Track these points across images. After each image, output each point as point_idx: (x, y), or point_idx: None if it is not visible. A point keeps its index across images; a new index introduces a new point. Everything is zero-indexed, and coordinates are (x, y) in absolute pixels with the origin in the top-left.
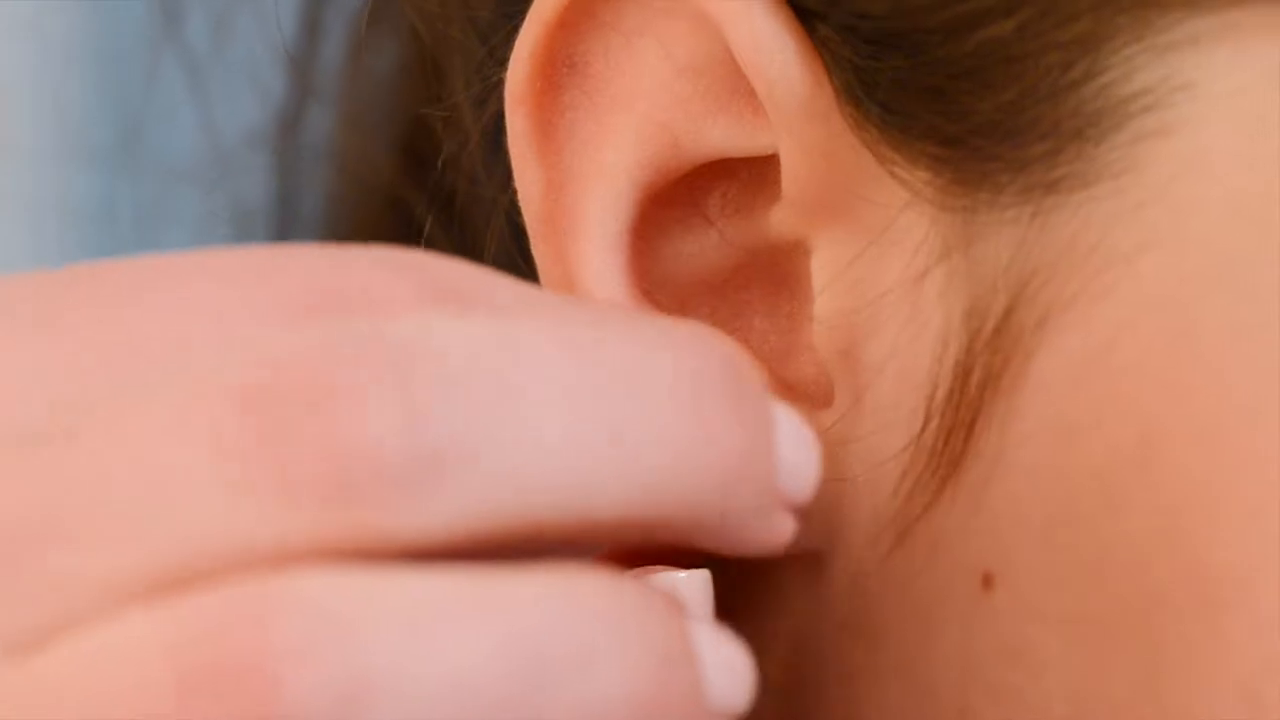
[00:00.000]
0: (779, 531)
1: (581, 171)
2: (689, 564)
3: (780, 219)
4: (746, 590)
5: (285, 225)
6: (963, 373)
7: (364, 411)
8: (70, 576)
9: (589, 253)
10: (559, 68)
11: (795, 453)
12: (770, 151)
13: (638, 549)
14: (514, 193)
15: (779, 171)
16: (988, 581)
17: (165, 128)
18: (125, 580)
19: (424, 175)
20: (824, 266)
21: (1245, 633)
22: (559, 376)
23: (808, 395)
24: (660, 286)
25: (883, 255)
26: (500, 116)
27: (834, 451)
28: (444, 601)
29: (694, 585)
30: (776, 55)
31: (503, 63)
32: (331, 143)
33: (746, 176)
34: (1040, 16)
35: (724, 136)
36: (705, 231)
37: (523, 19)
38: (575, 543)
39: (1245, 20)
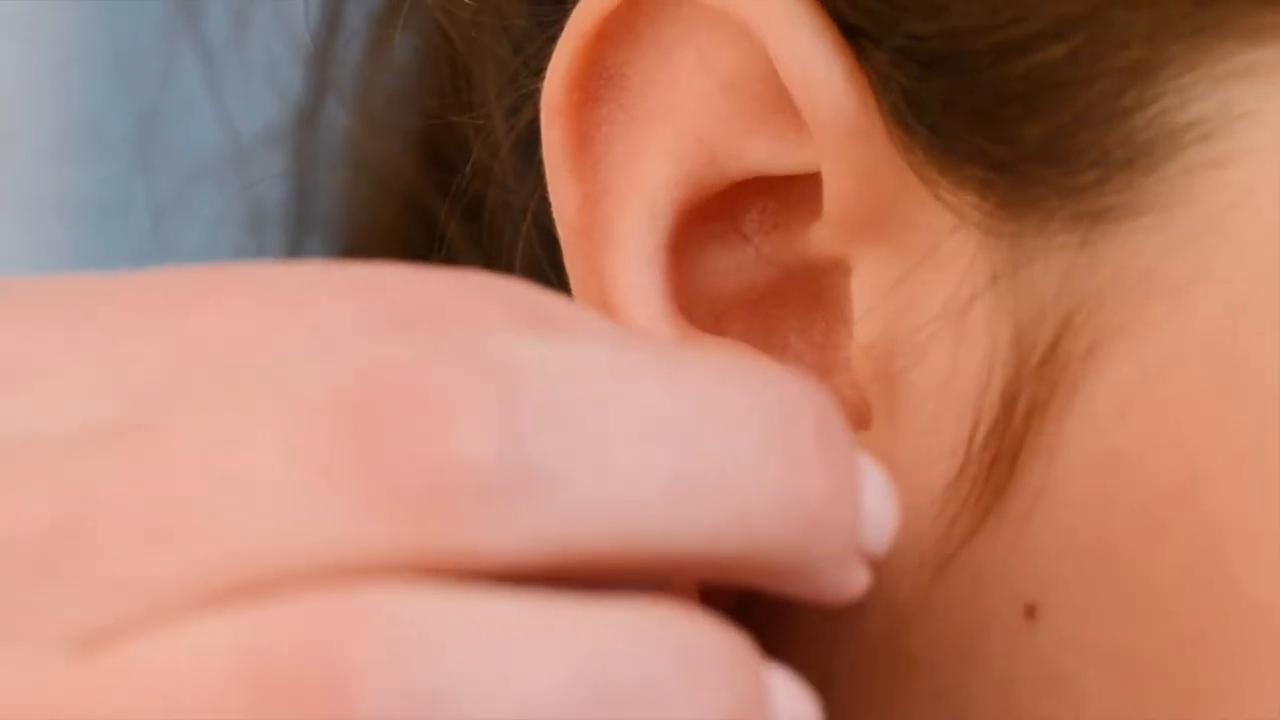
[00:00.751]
0: (854, 582)
1: (617, 185)
2: (715, 594)
3: (820, 237)
4: (774, 617)
5: (301, 224)
6: (1009, 402)
7: (460, 425)
8: (145, 575)
9: (624, 267)
10: (596, 80)
11: (879, 505)
12: (811, 169)
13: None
14: (544, 201)
15: (819, 188)
16: (1030, 612)
17: (182, 122)
18: (202, 582)
19: (445, 179)
20: (866, 288)
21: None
22: (655, 409)
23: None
24: (696, 302)
25: (928, 279)
26: (532, 125)
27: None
28: (523, 624)
29: None
30: (822, 73)
31: (537, 72)
32: (349, 141)
33: (785, 193)
34: (1093, 42)
35: (764, 153)
36: (742, 248)
37: (558, 30)
38: (648, 576)
39: None
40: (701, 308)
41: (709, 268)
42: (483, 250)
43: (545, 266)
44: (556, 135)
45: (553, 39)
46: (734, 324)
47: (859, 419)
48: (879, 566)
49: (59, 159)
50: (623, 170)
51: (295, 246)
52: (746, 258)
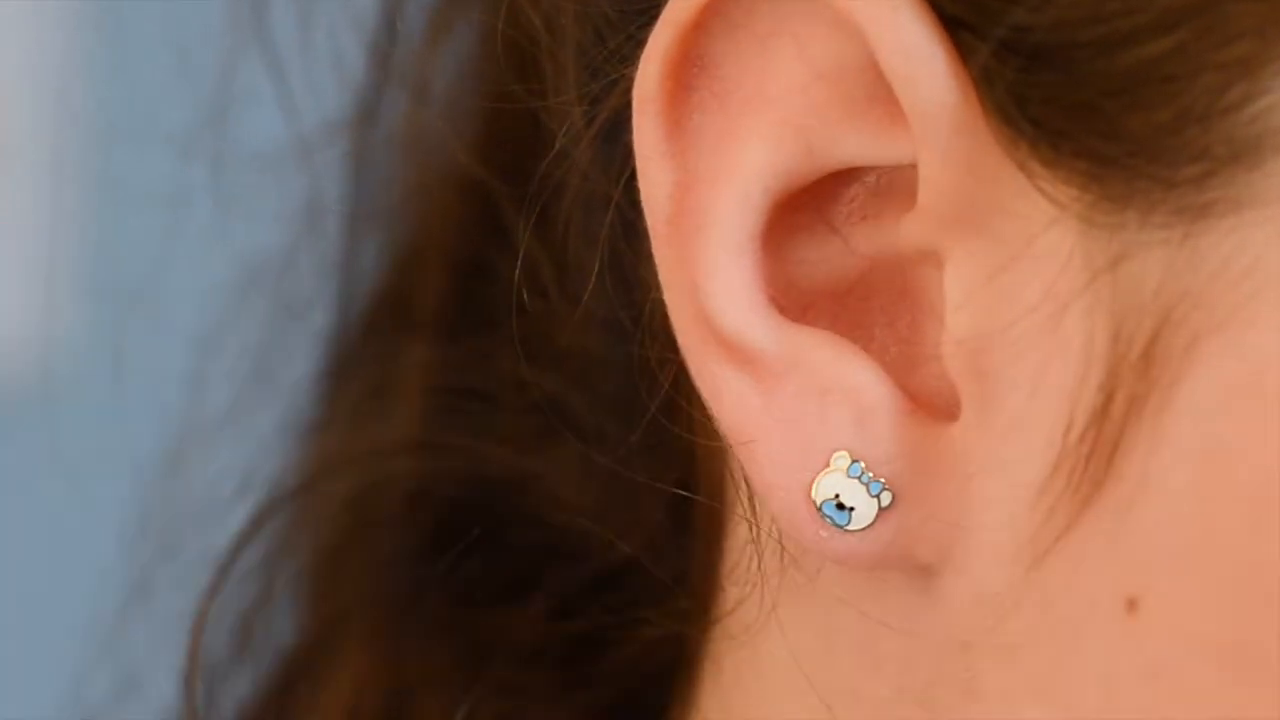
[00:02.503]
0: None
1: (710, 173)
2: None
3: (913, 230)
4: (847, 605)
5: (357, 217)
6: (1107, 396)
7: None
8: None
9: (717, 256)
10: (690, 68)
11: None
12: (907, 161)
13: None
14: (627, 190)
15: (910, 180)
16: (1132, 605)
17: (246, 115)
18: None
19: (509, 170)
20: (960, 282)
21: None
22: None
23: (932, 406)
24: (784, 293)
25: (1026, 272)
26: (615, 115)
27: (956, 464)
28: None
29: None
30: (925, 64)
31: (624, 60)
32: (408, 132)
33: (875, 184)
34: (1199, 36)
35: (860, 144)
36: (830, 239)
37: (648, 18)
38: None
39: None
40: (789, 298)
41: (797, 258)
42: (549, 243)
43: (626, 255)
44: (648, 123)
45: (643, 26)
46: (821, 315)
47: (947, 411)
48: (959, 555)
49: (134, 143)
50: (716, 158)
51: (352, 240)
52: (834, 249)
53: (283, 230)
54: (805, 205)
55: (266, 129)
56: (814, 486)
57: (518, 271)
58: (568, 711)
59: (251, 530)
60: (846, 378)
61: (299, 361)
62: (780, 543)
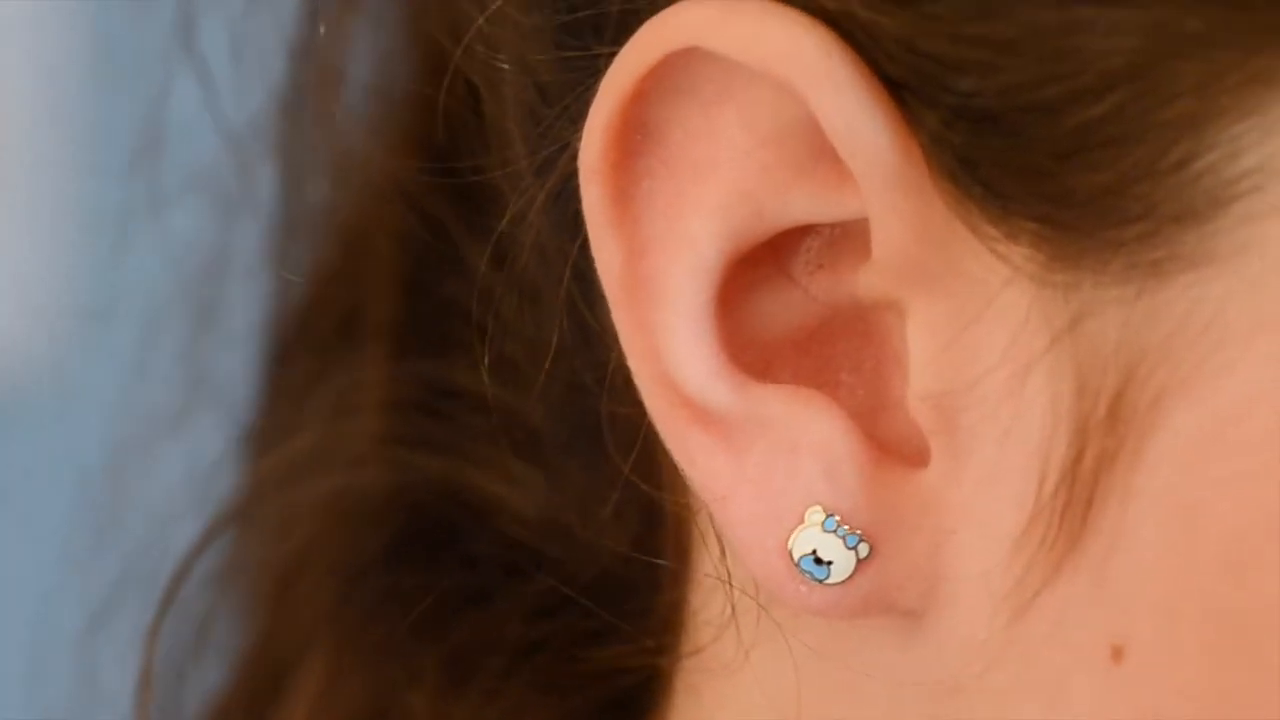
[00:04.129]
0: None
1: (662, 241)
2: None
3: (871, 281)
4: (834, 648)
5: (293, 226)
6: (1077, 452)
7: None
8: None
9: (674, 323)
10: (634, 136)
11: None
12: (859, 217)
13: None
14: (584, 251)
15: (866, 231)
16: (1117, 654)
17: (181, 134)
18: None
19: (460, 194)
20: (922, 336)
21: None
22: None
23: (902, 453)
24: (745, 348)
25: (986, 331)
26: (564, 179)
27: (929, 511)
28: None
29: None
30: (866, 128)
31: (573, 123)
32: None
33: (831, 235)
34: (1139, 97)
35: (809, 204)
36: (789, 290)
37: (588, 85)
38: None
39: None
40: (751, 352)
41: (757, 312)
42: (509, 273)
43: (586, 315)
44: (596, 192)
45: (586, 91)
46: (784, 365)
47: (917, 457)
48: (942, 601)
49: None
50: (666, 225)
51: (289, 249)
52: (794, 299)
53: (216, 238)
54: (762, 259)
55: (202, 142)
56: (790, 543)
57: (474, 304)
58: (551, 716)
59: (205, 541)
60: (813, 432)
61: (240, 373)
62: (754, 594)
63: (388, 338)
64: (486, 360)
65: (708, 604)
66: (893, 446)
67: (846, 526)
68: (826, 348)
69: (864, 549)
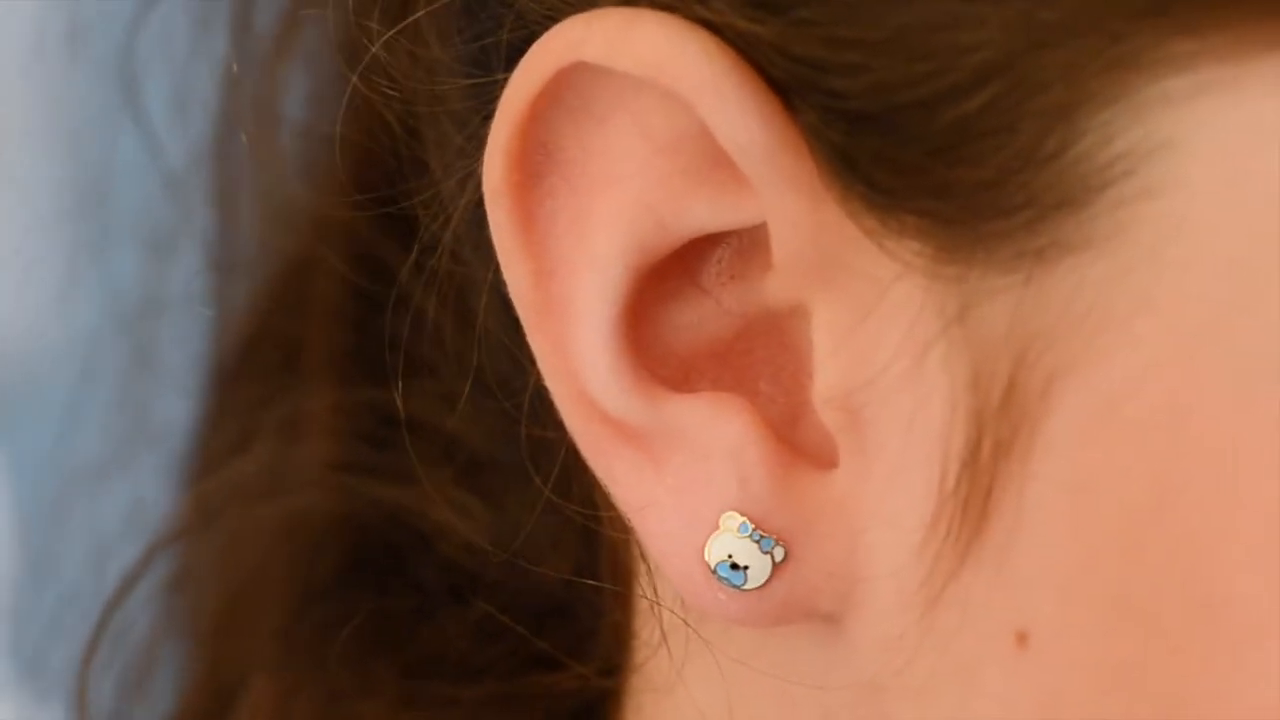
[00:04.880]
0: None
1: (569, 259)
2: None
3: (776, 286)
4: (761, 659)
5: (227, 255)
6: (974, 442)
7: None
8: None
9: (587, 342)
10: (534, 157)
11: None
12: (759, 222)
13: None
14: (497, 272)
15: (769, 237)
16: (1021, 639)
17: (122, 181)
18: None
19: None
20: (824, 335)
21: (1263, 672)
22: None
23: (816, 457)
24: (662, 361)
25: (880, 326)
26: (476, 205)
27: (843, 513)
28: None
29: None
30: (755, 132)
31: (480, 146)
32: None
33: (739, 244)
34: (1010, 89)
35: (709, 211)
36: (702, 301)
37: (491, 110)
38: None
39: (1221, 77)
40: (670, 365)
41: (672, 324)
42: (440, 298)
43: (505, 338)
44: (502, 216)
45: (487, 119)
46: (702, 377)
47: (830, 461)
48: (858, 601)
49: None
50: (572, 243)
51: (224, 277)
52: (708, 310)
53: (151, 269)
54: (673, 271)
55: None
56: (706, 549)
57: (407, 332)
58: None
59: (143, 564)
60: (726, 439)
61: (174, 401)
62: (682, 611)
63: (333, 367)
64: (436, 388)
65: (646, 623)
66: (809, 451)
67: (761, 531)
68: (744, 357)
69: (779, 553)
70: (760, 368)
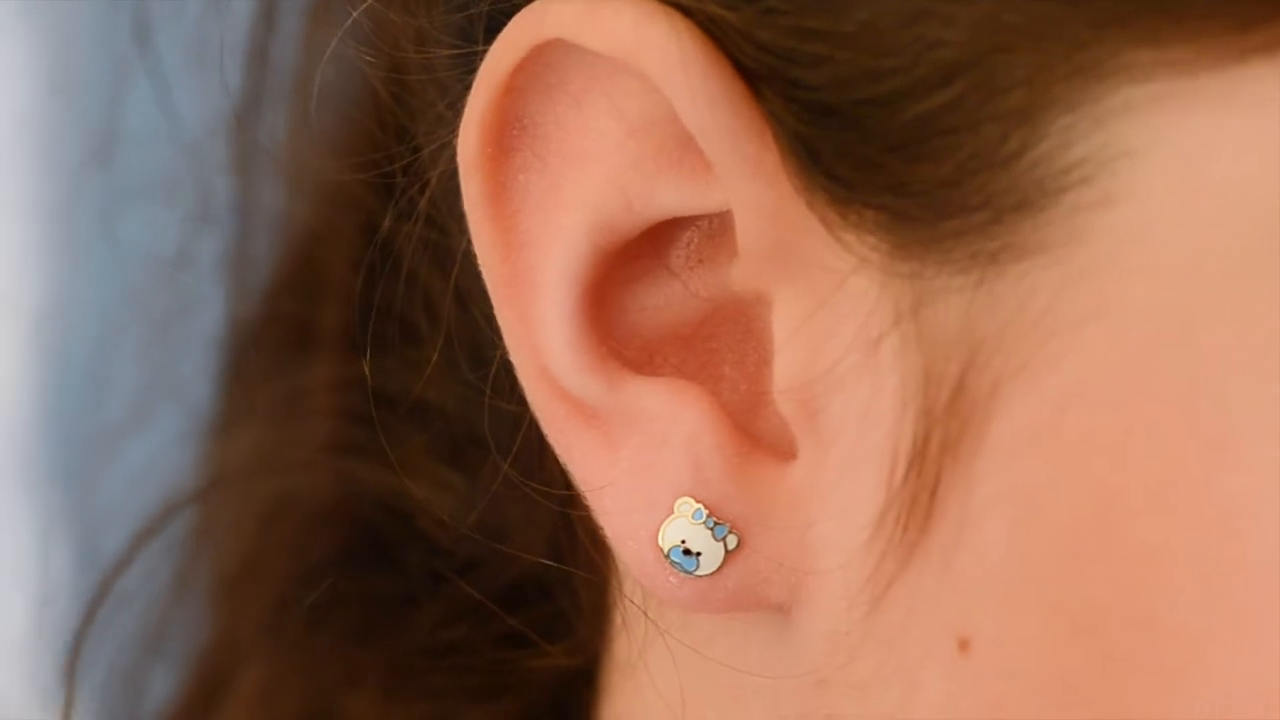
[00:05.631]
0: None
1: (538, 235)
2: None
3: (740, 273)
4: (715, 647)
5: (247, 224)
6: (922, 439)
7: None
8: None
9: (548, 315)
10: (510, 131)
11: None
12: (725, 208)
13: None
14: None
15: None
16: (964, 645)
17: (137, 138)
18: None
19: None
20: (783, 324)
21: (1201, 693)
22: None
23: (774, 448)
24: (627, 342)
25: (836, 317)
26: (451, 176)
27: (797, 504)
28: None
29: None
30: (722, 117)
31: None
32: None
33: (708, 228)
34: (974, 90)
35: (676, 195)
36: (670, 284)
37: (471, 81)
38: None
39: (1183, 88)
40: (634, 346)
41: (638, 305)
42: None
43: (475, 311)
44: (475, 188)
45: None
46: (666, 359)
47: (788, 452)
48: (809, 594)
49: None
50: (541, 219)
51: (243, 246)
52: (675, 293)
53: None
54: (643, 253)
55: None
56: (660, 533)
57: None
58: (495, 713)
59: (148, 532)
60: (684, 424)
61: (195, 365)
62: (642, 595)
63: (336, 344)
64: (420, 359)
65: (617, 604)
66: (768, 441)
67: (715, 518)
68: (710, 342)
69: (732, 540)
70: (724, 354)
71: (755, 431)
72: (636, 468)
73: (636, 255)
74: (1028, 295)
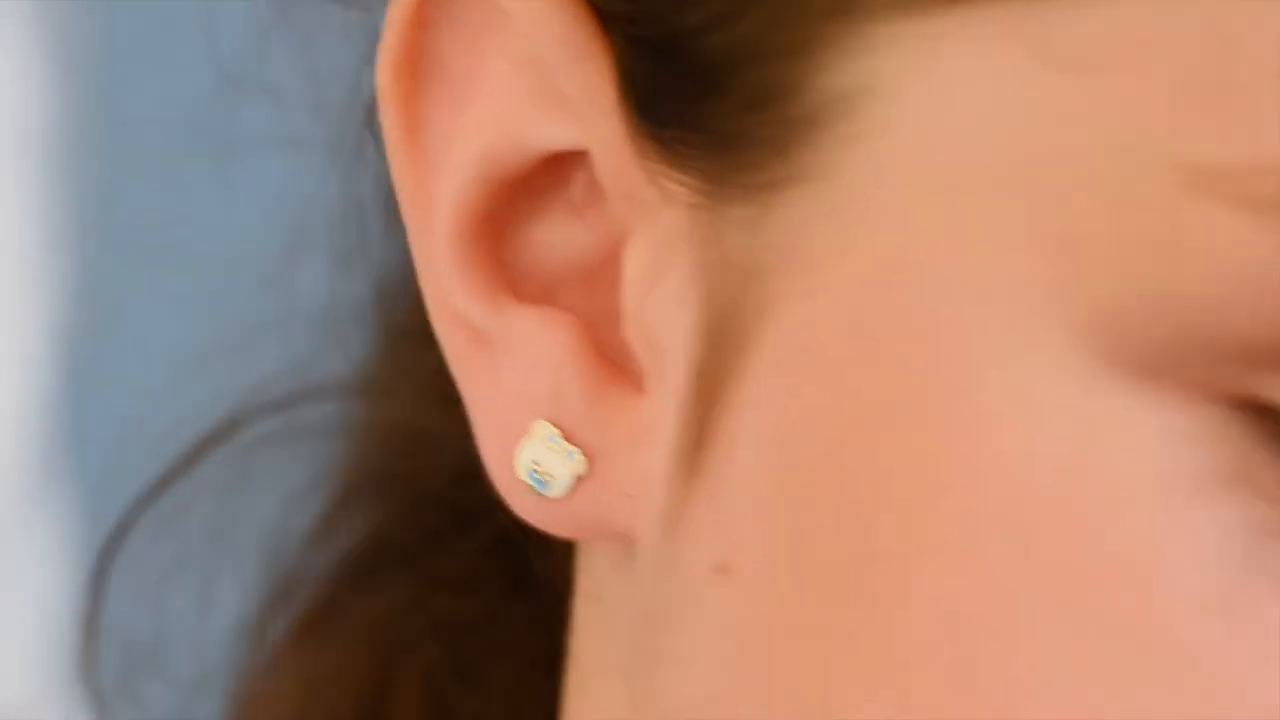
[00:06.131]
0: None
1: (440, 166)
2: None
3: (610, 211)
4: (599, 588)
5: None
6: (706, 368)
7: None
8: None
9: (446, 246)
10: (422, 63)
11: None
12: (585, 146)
13: None
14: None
15: None
16: (725, 570)
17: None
18: None
19: None
20: (627, 261)
21: (908, 621)
22: None
23: (633, 381)
24: (526, 277)
25: (660, 253)
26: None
27: (639, 434)
28: None
29: None
30: (568, 53)
31: None
32: None
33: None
34: (761, 24)
35: (549, 132)
36: (570, 221)
37: None
38: None
39: (944, 28)
40: (534, 281)
41: (538, 240)
42: None
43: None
44: (389, 119)
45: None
46: (566, 296)
47: (639, 384)
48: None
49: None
50: (444, 150)
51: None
52: (575, 230)
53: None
54: (543, 187)
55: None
56: (518, 454)
57: None
58: (511, 630)
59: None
60: (549, 350)
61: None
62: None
63: None
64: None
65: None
66: (630, 374)
67: (567, 442)
68: (609, 280)
69: (582, 465)
70: (609, 293)
71: (622, 365)
72: (504, 390)
73: (539, 190)
74: (789, 229)
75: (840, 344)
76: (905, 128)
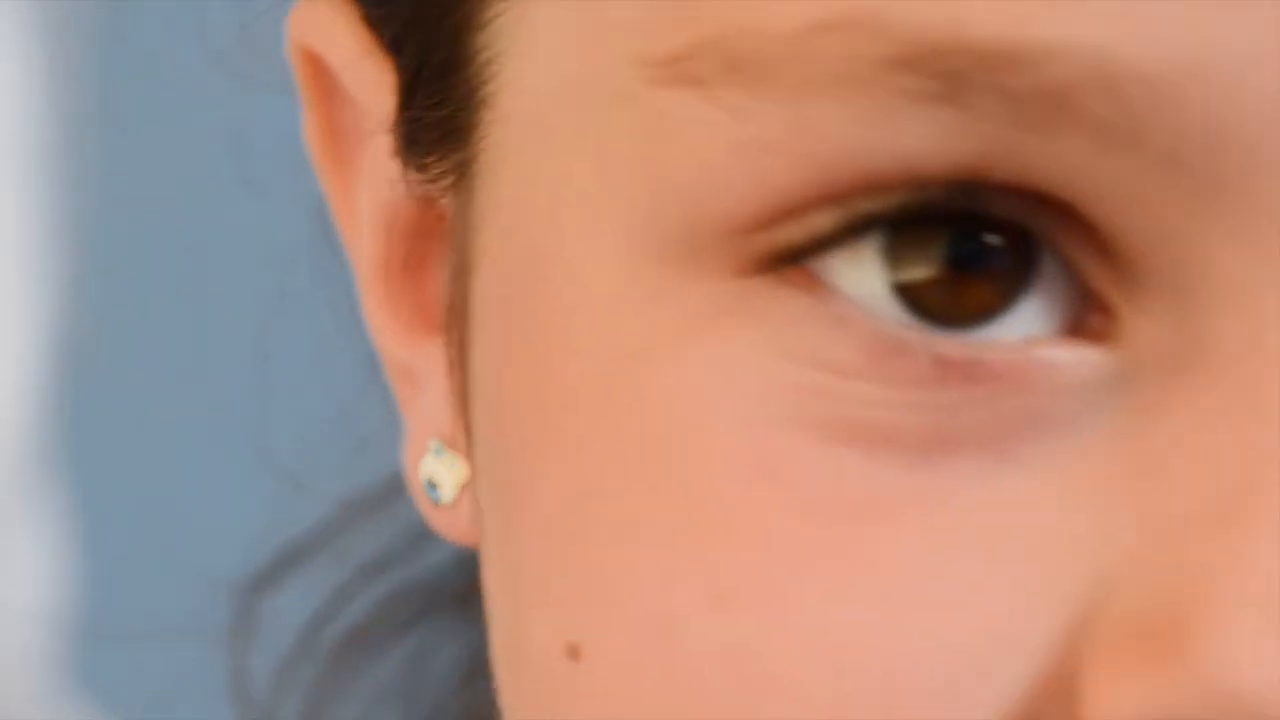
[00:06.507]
0: None
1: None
2: None
3: None
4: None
5: None
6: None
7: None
8: None
9: (370, 296)
10: (336, 129)
11: None
12: None
13: None
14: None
15: None
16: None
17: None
18: None
19: None
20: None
21: (535, 504)
22: None
23: None
24: (421, 315)
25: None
26: None
27: None
28: None
29: None
30: (370, 95)
31: None
32: None
33: None
34: (412, 21)
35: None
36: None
37: None
38: None
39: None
40: (426, 318)
41: (433, 277)
42: None
43: None
44: (325, 183)
45: None
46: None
47: None
48: None
49: None
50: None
51: None
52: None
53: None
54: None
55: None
56: (420, 468)
57: None
58: None
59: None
60: (436, 374)
61: None
62: None
63: None
64: None
65: None
66: None
67: (450, 452)
68: None
69: (465, 473)
70: None
71: None
72: (415, 415)
73: (434, 230)
74: (478, 201)
75: (494, 291)
76: (515, 85)
